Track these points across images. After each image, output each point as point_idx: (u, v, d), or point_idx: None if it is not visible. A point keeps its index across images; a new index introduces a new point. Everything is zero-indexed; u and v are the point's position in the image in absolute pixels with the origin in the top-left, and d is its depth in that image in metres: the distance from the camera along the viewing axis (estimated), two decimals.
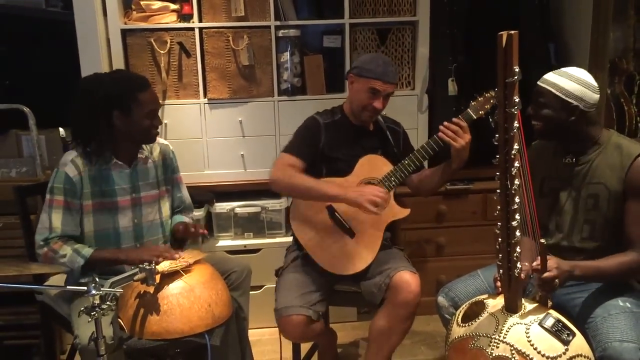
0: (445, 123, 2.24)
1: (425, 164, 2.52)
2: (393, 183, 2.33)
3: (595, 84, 1.98)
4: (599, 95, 1.99)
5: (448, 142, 2.22)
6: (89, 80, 2.20)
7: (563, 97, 1.96)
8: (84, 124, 2.16)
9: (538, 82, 2.03)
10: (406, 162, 2.33)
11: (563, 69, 2.01)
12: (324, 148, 2.39)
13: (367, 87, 2.31)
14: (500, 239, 1.75)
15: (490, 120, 1.69)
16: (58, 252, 2.10)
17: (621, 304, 1.94)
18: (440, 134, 2.24)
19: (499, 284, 1.85)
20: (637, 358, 1.75)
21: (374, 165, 2.38)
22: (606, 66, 3.05)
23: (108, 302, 1.71)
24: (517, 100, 1.61)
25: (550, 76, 2.00)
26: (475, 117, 2.30)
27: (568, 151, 2.08)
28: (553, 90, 1.97)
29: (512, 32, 1.56)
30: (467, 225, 3.20)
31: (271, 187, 2.35)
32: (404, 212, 2.38)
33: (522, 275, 1.75)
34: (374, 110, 2.34)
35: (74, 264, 2.10)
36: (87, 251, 2.12)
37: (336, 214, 2.34)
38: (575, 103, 1.95)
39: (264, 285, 3.08)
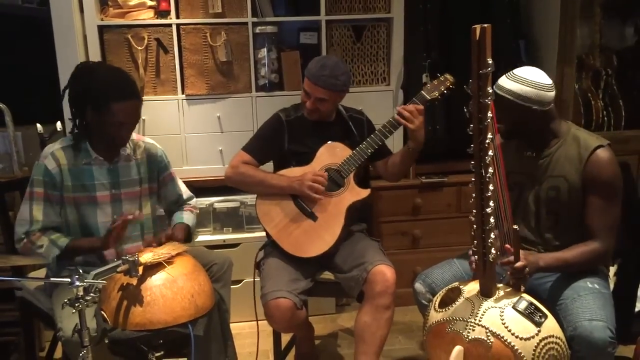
0: (401, 107, 2.34)
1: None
2: (353, 167, 2.39)
3: (548, 82, 2.01)
4: (554, 92, 2.03)
5: (404, 124, 2.31)
6: (85, 65, 2.21)
7: (520, 102, 1.99)
8: (72, 105, 2.18)
9: (494, 88, 2.03)
10: (364, 145, 2.39)
11: (516, 72, 2.03)
12: (289, 145, 2.46)
13: (304, 86, 2.40)
14: (475, 226, 1.82)
15: (465, 110, 1.74)
16: (35, 243, 2.12)
17: (589, 285, 2.02)
18: (396, 116, 2.33)
19: (472, 259, 1.90)
20: (606, 336, 1.83)
21: (333, 152, 2.44)
22: (574, 62, 3.15)
23: (92, 294, 1.72)
24: (490, 91, 1.67)
25: (504, 82, 2.02)
26: (429, 98, 2.38)
27: (529, 146, 2.15)
28: (509, 97, 2.00)
29: (486, 25, 1.62)
30: (442, 218, 3.28)
31: (226, 182, 2.48)
32: (364, 193, 2.42)
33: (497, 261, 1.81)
34: (307, 109, 2.42)
35: (50, 253, 2.11)
36: (63, 241, 2.13)
37: (298, 199, 2.40)
38: (533, 107, 1.99)
39: (243, 280, 3.10)
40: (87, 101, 2.12)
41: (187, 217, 2.43)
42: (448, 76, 2.43)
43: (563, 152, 2.09)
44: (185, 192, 2.50)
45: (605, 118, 3.29)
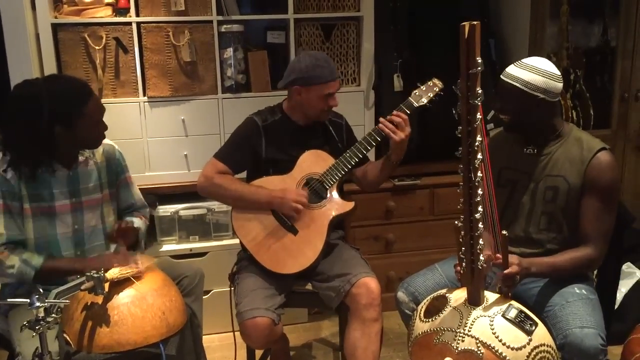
0: (387, 117, 2.23)
1: (373, 156, 2.47)
2: (335, 177, 2.28)
3: (557, 72, 1.98)
4: (562, 84, 1.99)
5: (388, 134, 2.20)
6: (23, 92, 2.01)
7: (528, 90, 1.94)
8: (19, 139, 2.00)
9: (501, 77, 2.01)
10: (347, 155, 2.29)
11: (525, 61, 2.00)
12: (266, 151, 2.33)
13: (321, 94, 2.26)
14: (462, 232, 1.75)
15: (454, 112, 1.67)
16: (4, 264, 1.95)
17: (577, 291, 1.98)
18: (380, 125, 2.22)
19: (458, 268, 1.84)
20: (598, 343, 1.79)
21: (315, 160, 2.33)
22: None
23: (53, 315, 1.61)
24: (479, 91, 1.60)
25: (513, 70, 1.99)
26: (416, 106, 2.29)
27: (530, 142, 2.09)
28: (517, 85, 1.95)
29: (475, 22, 1.55)
30: (415, 221, 3.22)
31: (199, 193, 2.35)
32: (348, 206, 2.32)
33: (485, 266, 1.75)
34: (330, 111, 2.33)
35: (23, 275, 1.96)
36: (37, 261, 1.97)
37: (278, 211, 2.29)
38: (541, 95, 1.95)
39: (211, 290, 2.98)
40: (54, 123, 1.97)
41: (137, 221, 2.30)
42: (436, 81, 2.32)
43: (564, 152, 2.04)
44: (139, 200, 2.38)
45: (575, 118, 3.29)
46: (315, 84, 2.24)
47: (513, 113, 2.02)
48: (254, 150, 2.33)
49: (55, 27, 2.79)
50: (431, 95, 2.30)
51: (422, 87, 2.32)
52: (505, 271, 1.79)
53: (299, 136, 2.36)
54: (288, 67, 2.36)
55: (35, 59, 2.78)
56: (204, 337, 2.45)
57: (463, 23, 1.56)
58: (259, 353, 2.55)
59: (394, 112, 2.23)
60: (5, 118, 2.02)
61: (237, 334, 2.23)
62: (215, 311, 2.85)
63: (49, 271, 1.99)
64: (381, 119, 2.23)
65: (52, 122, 1.97)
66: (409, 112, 2.25)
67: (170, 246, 3.00)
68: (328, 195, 2.29)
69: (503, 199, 2.12)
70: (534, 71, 1.95)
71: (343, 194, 2.41)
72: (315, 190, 2.29)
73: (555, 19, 3.25)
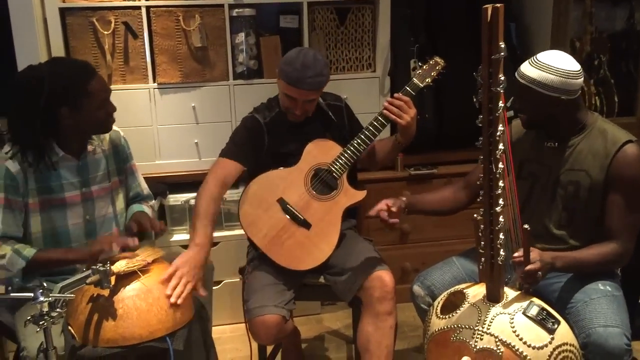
0: (389, 99, 2.16)
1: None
2: (345, 166, 2.21)
3: (576, 67, 1.85)
4: (582, 79, 1.87)
5: (394, 119, 2.14)
6: (26, 76, 1.97)
7: (545, 92, 1.83)
8: (25, 127, 1.96)
9: (517, 76, 1.89)
10: (355, 142, 2.21)
11: (540, 58, 1.86)
12: (270, 148, 2.27)
13: (284, 91, 2.19)
14: (482, 226, 1.68)
15: (474, 100, 1.59)
16: None
17: (601, 287, 1.89)
18: (384, 111, 2.16)
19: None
20: (623, 343, 1.71)
21: (321, 150, 2.25)
22: (567, 46, 3.03)
23: (58, 309, 1.56)
24: (502, 78, 1.52)
25: (527, 70, 1.86)
26: (422, 86, 2.23)
27: (551, 136, 1.99)
28: (534, 87, 1.84)
29: (498, 5, 1.46)
30: None
31: None
32: (360, 195, 2.24)
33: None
34: (295, 115, 2.23)
35: (14, 266, 1.90)
36: (29, 252, 1.92)
37: (288, 206, 2.20)
38: (560, 96, 1.83)
39: (222, 281, 2.93)
40: (60, 104, 1.93)
41: (147, 209, 2.26)
42: (438, 59, 2.28)
43: (587, 145, 1.94)
44: (145, 189, 2.33)
45: (598, 105, 3.18)
46: (282, 79, 2.16)
47: (532, 113, 1.92)
48: (259, 147, 2.26)
49: (63, 12, 2.74)
50: (434, 74, 2.26)
51: (424, 66, 2.28)
52: (527, 267, 1.71)
53: (298, 127, 2.28)
54: None
55: (43, 45, 2.72)
56: (214, 328, 2.42)
57: (485, 6, 1.47)
58: (269, 346, 2.51)
59: (395, 95, 2.17)
60: (10, 104, 1.98)
61: (243, 326, 2.18)
62: (227, 302, 2.81)
63: (40, 262, 1.93)
64: (384, 104, 2.16)
65: (56, 103, 1.92)
66: (414, 93, 2.20)
67: (180, 236, 2.95)
68: (338, 185, 2.22)
69: (524, 193, 2.03)
70: (550, 71, 1.82)
71: (356, 183, 2.34)
72: (325, 181, 2.22)
73: (579, 2, 3.13)
